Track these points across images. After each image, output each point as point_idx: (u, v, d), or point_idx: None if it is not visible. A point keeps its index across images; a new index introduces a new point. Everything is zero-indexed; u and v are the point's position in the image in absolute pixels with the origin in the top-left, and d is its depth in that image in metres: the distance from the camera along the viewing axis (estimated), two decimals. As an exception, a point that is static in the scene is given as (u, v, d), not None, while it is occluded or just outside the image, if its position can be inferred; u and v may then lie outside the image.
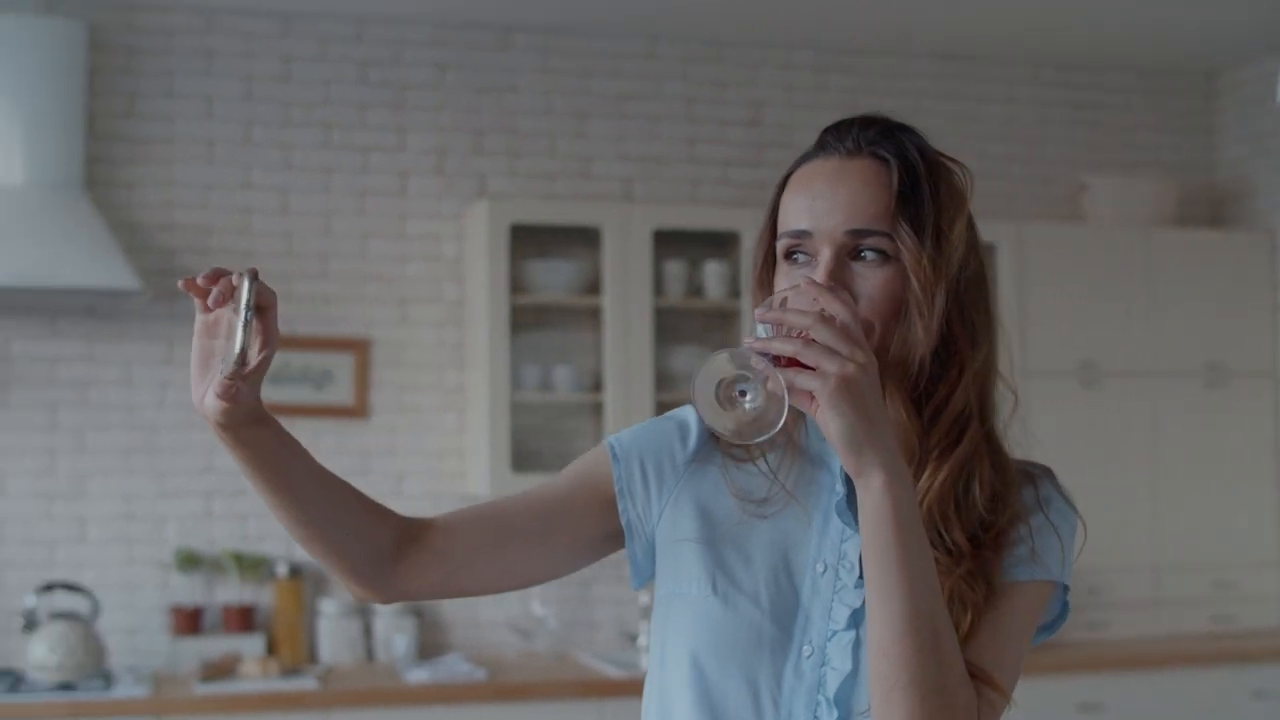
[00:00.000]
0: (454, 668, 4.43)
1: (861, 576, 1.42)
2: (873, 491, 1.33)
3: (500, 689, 4.32)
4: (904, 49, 5.32)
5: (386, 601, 1.60)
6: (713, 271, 4.88)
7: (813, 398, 1.31)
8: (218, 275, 1.38)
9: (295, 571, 4.63)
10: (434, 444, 4.89)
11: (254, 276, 1.36)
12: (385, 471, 4.81)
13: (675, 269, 4.85)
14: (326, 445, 4.75)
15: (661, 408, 4.54)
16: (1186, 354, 5.19)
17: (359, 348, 4.83)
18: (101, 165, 4.67)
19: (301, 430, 4.70)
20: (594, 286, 4.80)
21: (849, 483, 1.46)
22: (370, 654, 4.70)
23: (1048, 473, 1.59)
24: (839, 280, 1.46)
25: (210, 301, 1.38)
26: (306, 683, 4.25)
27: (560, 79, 5.07)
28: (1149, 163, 5.59)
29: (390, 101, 4.93)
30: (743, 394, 1.34)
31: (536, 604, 4.75)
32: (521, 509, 1.62)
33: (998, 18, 5.04)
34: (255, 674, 4.27)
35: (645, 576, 1.64)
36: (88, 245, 4.31)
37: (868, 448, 1.32)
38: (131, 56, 4.73)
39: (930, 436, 1.48)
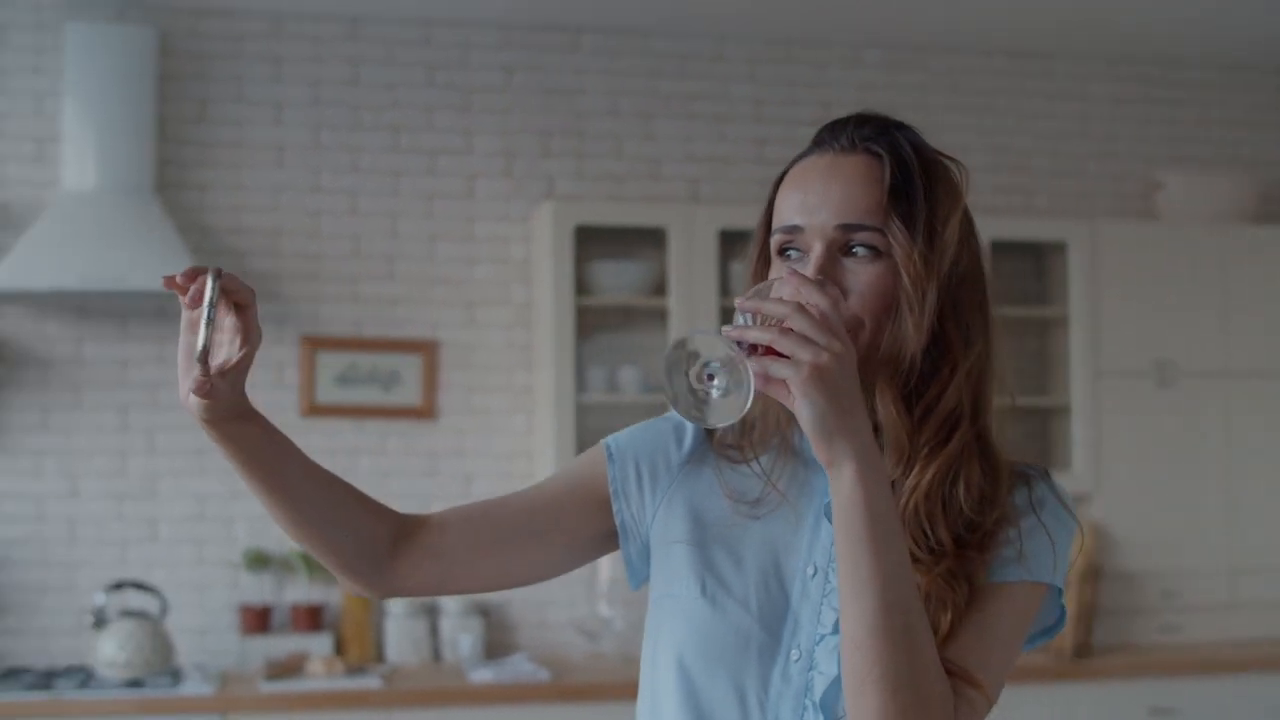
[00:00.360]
0: (518, 668, 4.43)
1: None
2: (844, 482, 1.32)
3: (564, 690, 4.31)
4: (975, 46, 5.27)
5: (382, 597, 1.62)
6: (779, 272, 4.84)
7: (787, 387, 1.30)
8: (194, 273, 1.39)
9: (363, 572, 4.64)
10: (502, 445, 4.89)
11: (216, 275, 1.37)
12: (454, 473, 4.82)
13: (741, 270, 4.81)
14: (395, 446, 4.78)
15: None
16: (1263, 353, 5.09)
17: (427, 349, 4.85)
18: (172, 169, 4.72)
19: (370, 431, 4.77)
20: (660, 287, 4.79)
21: None
22: (437, 654, 4.71)
23: (1044, 475, 1.55)
24: (830, 275, 1.45)
25: (188, 300, 1.39)
26: (370, 681, 4.27)
27: (627, 80, 5.06)
28: (1226, 159, 5.49)
29: (457, 104, 4.95)
30: (711, 378, 1.33)
31: (604, 605, 4.74)
32: (517, 508, 1.62)
33: (1071, 13, 4.97)
34: (320, 673, 4.30)
35: (642, 577, 1.64)
36: (158, 248, 4.37)
37: (839, 436, 1.30)
38: (202, 62, 4.77)
39: (920, 435, 1.46)
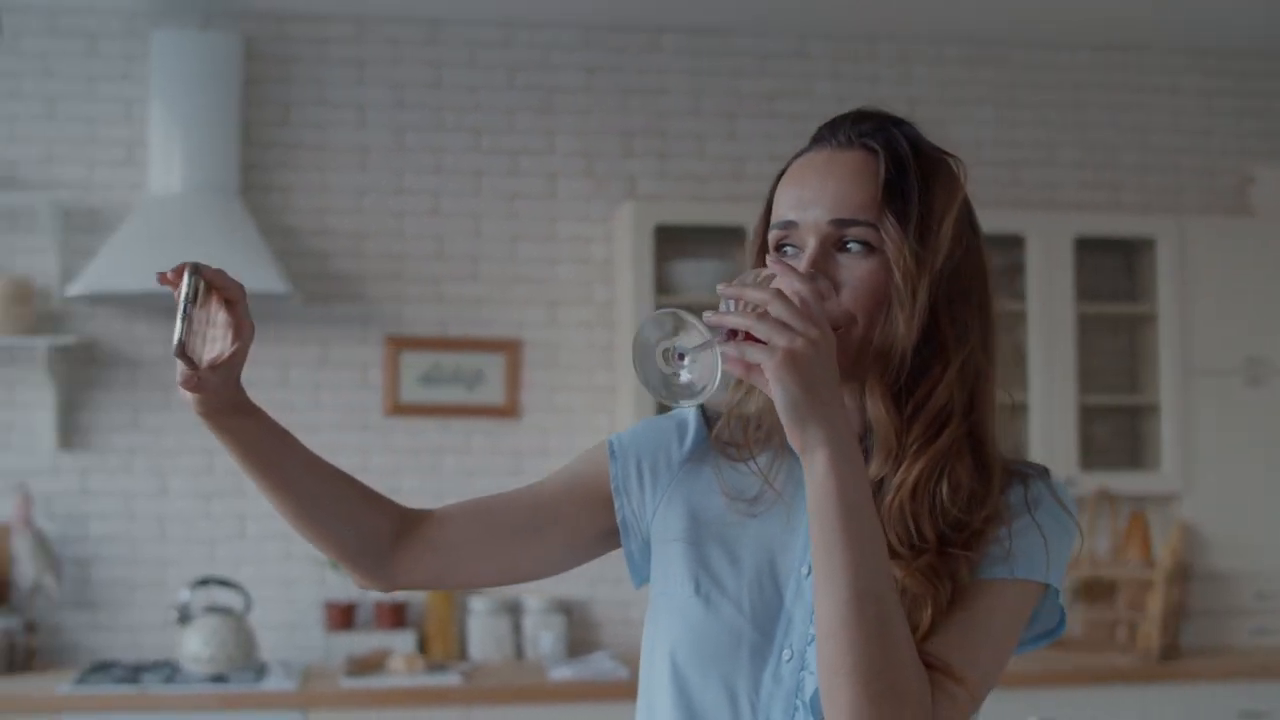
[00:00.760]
0: (598, 665, 4.43)
1: None
2: (817, 468, 1.31)
3: (644, 688, 4.30)
4: (1061, 40, 5.20)
5: (388, 590, 1.64)
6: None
7: (764, 372, 1.30)
8: (184, 269, 1.41)
9: (447, 570, 4.67)
10: (585, 444, 4.87)
11: (193, 270, 1.40)
12: (537, 471, 4.76)
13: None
14: (479, 445, 4.81)
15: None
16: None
17: (510, 348, 4.87)
18: (256, 172, 4.78)
19: (454, 430, 4.80)
20: (741, 286, 4.76)
21: None
22: (519, 651, 4.73)
23: (1043, 474, 1.53)
24: (823, 270, 1.45)
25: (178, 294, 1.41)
26: (450, 679, 4.29)
27: (709, 79, 5.05)
28: (1320, 153, 5.39)
29: (539, 105, 4.96)
30: (681, 357, 1.34)
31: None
32: (520, 503, 1.64)
33: (1162, 4, 4.89)
34: (401, 670, 4.32)
35: (644, 576, 1.64)
36: (242, 250, 4.42)
37: (811, 422, 1.30)
38: (285, 66, 4.83)
39: (909, 432, 1.44)
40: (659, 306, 4.65)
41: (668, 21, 4.98)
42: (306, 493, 1.55)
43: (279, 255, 4.63)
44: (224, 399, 1.47)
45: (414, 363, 4.82)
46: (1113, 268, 5.14)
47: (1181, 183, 5.28)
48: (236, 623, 4.35)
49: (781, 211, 1.51)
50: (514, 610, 4.73)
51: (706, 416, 1.65)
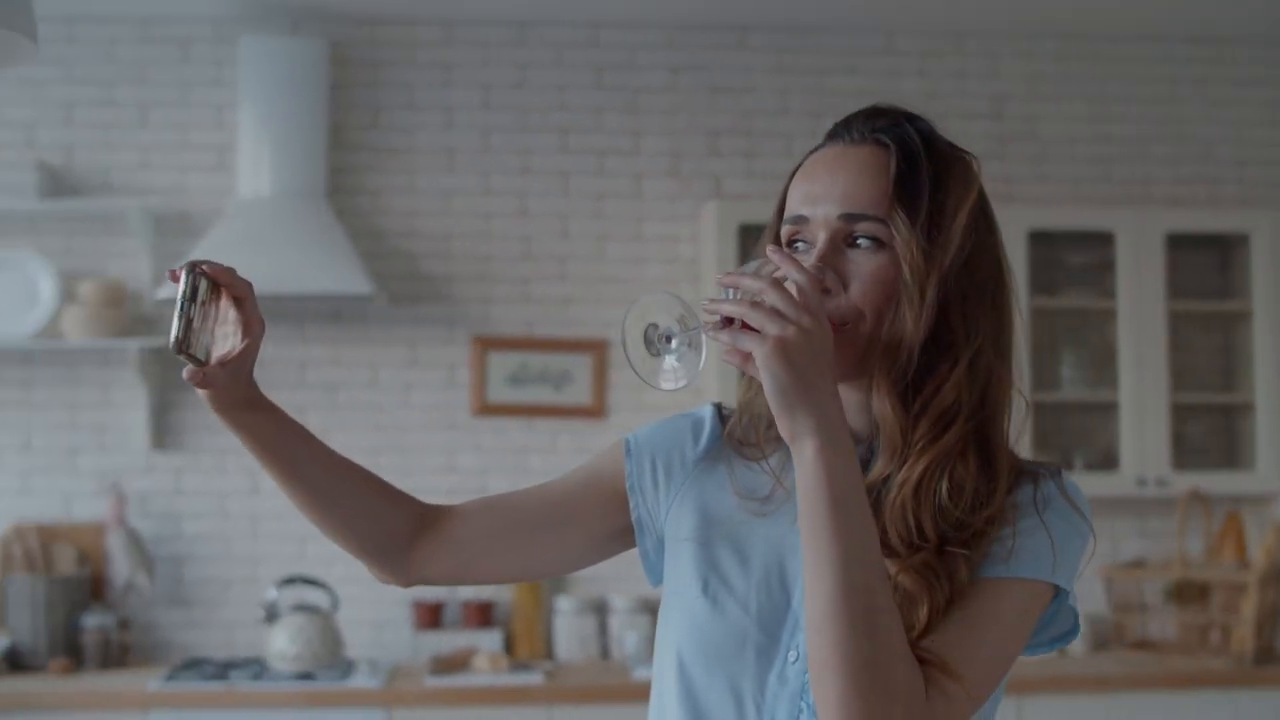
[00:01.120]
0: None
1: None
2: (805, 457, 1.30)
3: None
4: (1155, 33, 5.12)
5: (407, 585, 1.66)
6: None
7: (754, 360, 1.30)
8: (194, 266, 1.43)
9: (534, 570, 4.69)
10: (671, 445, 4.89)
11: (192, 268, 1.41)
12: (623, 472, 4.83)
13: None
14: (565, 445, 4.83)
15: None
16: None
17: (597, 349, 4.88)
18: (344, 175, 4.82)
19: (541, 430, 4.82)
20: (828, 285, 4.74)
21: None
22: (604, 651, 4.74)
23: (1056, 474, 1.49)
24: (832, 266, 1.44)
25: None
26: (533, 678, 4.30)
27: (795, 78, 5.03)
28: None
29: (625, 105, 4.97)
30: (667, 340, 1.36)
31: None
32: (537, 501, 1.65)
33: (1254, -3, 4.82)
34: (485, 669, 4.34)
35: (659, 574, 1.63)
36: (331, 253, 4.47)
37: (800, 411, 1.29)
38: (373, 70, 4.87)
39: (914, 430, 1.42)
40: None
41: (753, 20, 4.96)
42: (323, 488, 1.58)
43: (367, 257, 4.68)
44: (236, 395, 1.49)
45: (501, 363, 4.84)
46: (1206, 264, 5.06)
47: (1276, 177, 5.18)
48: (323, 621, 4.39)
49: (793, 206, 1.50)
50: (600, 610, 4.74)
51: (722, 415, 1.64)
